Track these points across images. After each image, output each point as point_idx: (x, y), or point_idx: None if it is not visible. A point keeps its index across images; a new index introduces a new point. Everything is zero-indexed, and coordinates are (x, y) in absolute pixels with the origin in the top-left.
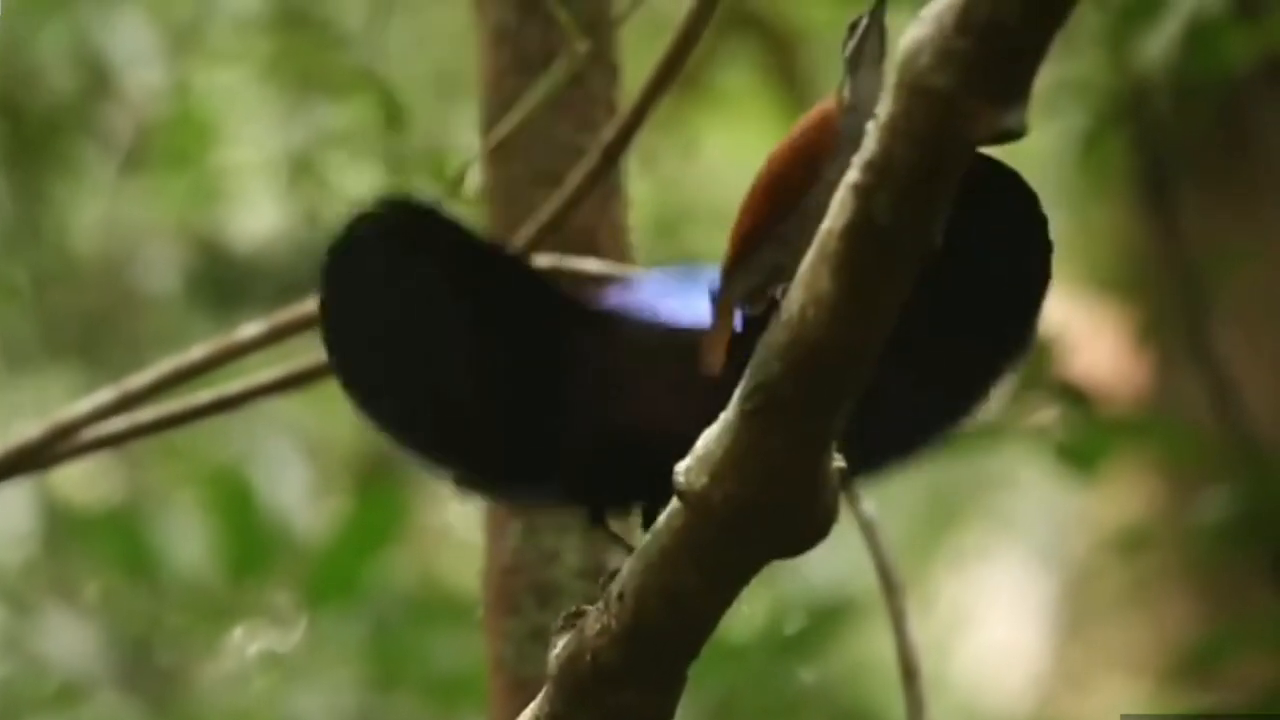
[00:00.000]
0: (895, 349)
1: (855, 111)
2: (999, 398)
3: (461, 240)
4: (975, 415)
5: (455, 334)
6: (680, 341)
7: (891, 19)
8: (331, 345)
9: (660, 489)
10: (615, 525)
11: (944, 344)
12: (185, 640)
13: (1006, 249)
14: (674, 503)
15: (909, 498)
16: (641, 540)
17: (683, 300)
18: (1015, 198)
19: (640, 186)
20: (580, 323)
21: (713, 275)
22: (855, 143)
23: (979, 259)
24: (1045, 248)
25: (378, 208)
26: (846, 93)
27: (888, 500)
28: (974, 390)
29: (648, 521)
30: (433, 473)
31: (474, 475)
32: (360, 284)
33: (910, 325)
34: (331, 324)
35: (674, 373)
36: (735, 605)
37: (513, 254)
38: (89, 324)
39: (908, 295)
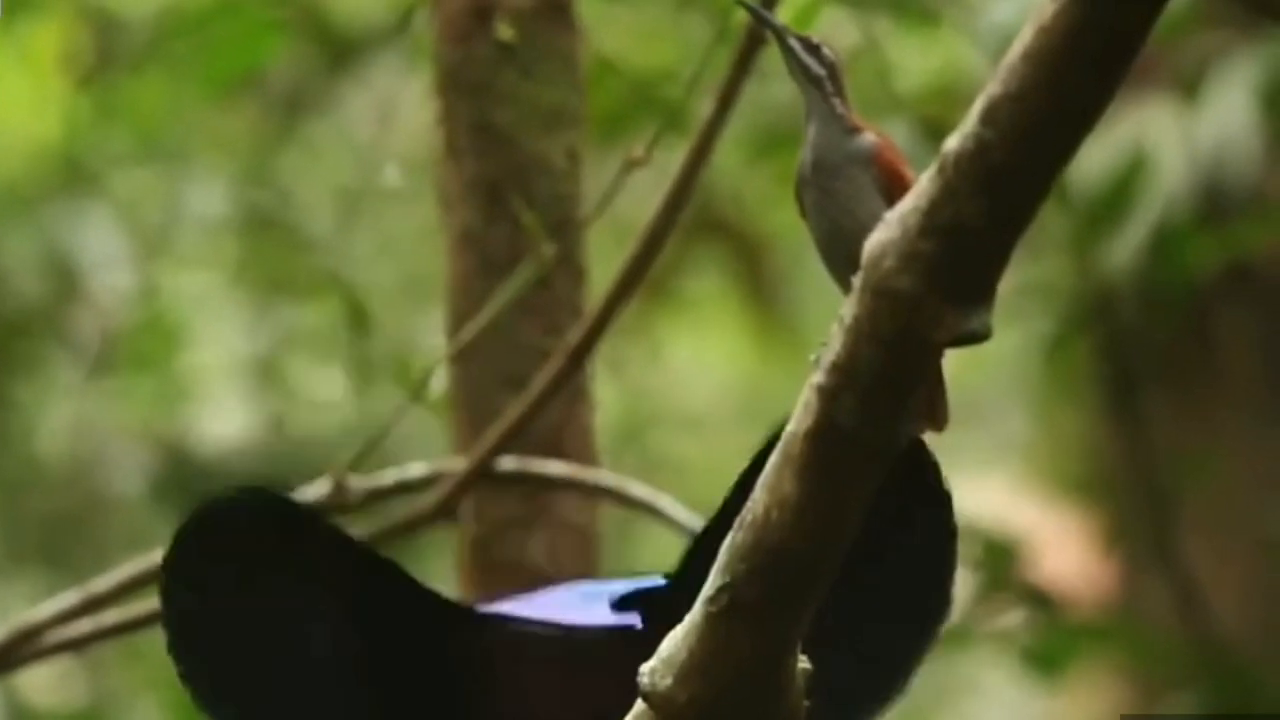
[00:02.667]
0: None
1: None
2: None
3: (322, 540)
4: (898, 696)
5: (318, 644)
6: (573, 646)
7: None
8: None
9: None
10: None
11: (861, 630)
12: None
13: (917, 533)
14: (639, 705)
15: None
16: None
17: (580, 608)
18: (925, 481)
19: (606, 391)
20: (462, 627)
21: (617, 590)
22: None
23: (892, 545)
24: (952, 531)
25: (227, 504)
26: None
27: None
28: (896, 672)
29: None
30: None
31: None
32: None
33: (829, 615)
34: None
35: (563, 678)
36: None
37: (383, 559)
38: (53, 526)
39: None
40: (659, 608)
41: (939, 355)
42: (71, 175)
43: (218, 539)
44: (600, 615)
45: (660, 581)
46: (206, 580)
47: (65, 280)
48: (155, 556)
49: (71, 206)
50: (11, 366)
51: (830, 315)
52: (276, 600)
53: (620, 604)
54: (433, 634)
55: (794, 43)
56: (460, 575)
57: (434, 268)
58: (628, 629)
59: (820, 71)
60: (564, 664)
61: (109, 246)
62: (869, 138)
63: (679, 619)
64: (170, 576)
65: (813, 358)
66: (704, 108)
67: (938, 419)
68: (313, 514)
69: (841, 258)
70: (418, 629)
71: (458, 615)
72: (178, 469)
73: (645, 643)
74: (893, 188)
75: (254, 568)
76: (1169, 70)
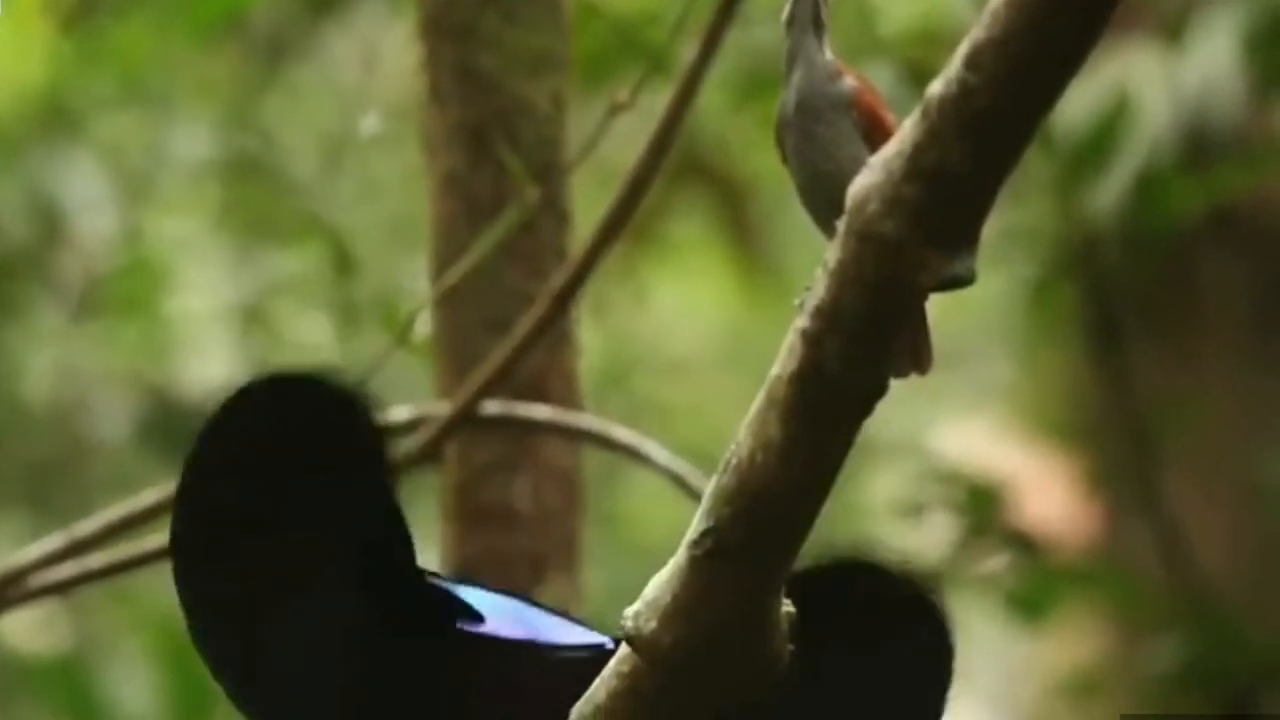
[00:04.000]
0: None
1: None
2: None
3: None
4: None
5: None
6: (560, 662)
7: None
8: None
9: None
10: None
11: None
12: None
13: (913, 675)
14: (623, 648)
15: None
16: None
17: (557, 627)
18: (930, 627)
19: (591, 335)
20: (449, 643)
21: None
22: None
23: (885, 677)
24: (948, 680)
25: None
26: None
27: None
28: None
29: None
30: None
31: None
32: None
33: None
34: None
35: (553, 695)
36: None
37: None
38: (38, 470)
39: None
40: None
41: (923, 299)
42: (55, 119)
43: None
44: (576, 635)
45: (604, 641)
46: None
47: (49, 224)
48: (140, 500)
49: (56, 150)
50: None
51: (815, 260)
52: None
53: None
54: (420, 646)
55: None
56: (443, 519)
57: (418, 212)
58: (601, 647)
59: (803, 14)
60: (544, 682)
61: (93, 190)
62: (849, 82)
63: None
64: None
65: (797, 302)
66: (688, 52)
67: (921, 362)
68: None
69: (823, 202)
70: (406, 638)
71: (445, 619)
72: (163, 413)
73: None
74: (873, 132)
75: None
76: (1153, 14)
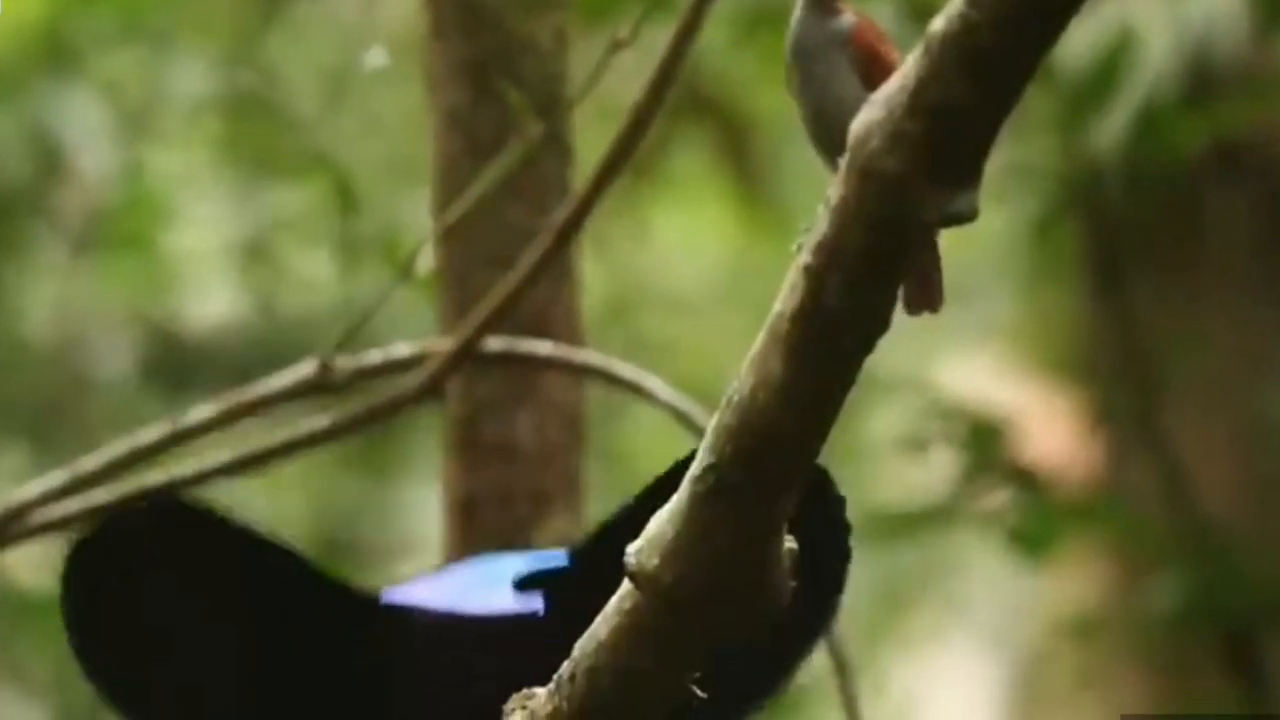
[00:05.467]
0: None
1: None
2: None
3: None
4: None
5: (223, 638)
6: (485, 632)
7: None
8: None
9: None
10: None
11: None
12: None
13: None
14: (625, 584)
15: (860, 581)
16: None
17: (483, 593)
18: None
19: (593, 271)
20: (366, 618)
21: (518, 568)
22: None
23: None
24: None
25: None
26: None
27: None
28: (789, 659)
29: None
30: None
31: None
32: (109, 587)
33: None
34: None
35: (466, 668)
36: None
37: (287, 547)
38: (40, 406)
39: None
40: (561, 588)
41: (925, 236)
42: (56, 55)
43: (116, 547)
44: (502, 601)
45: (562, 560)
46: (105, 583)
47: (50, 160)
48: (142, 436)
49: (56, 86)
50: None
51: (817, 195)
52: (177, 604)
53: (523, 583)
54: (335, 627)
55: None
56: (445, 455)
57: (420, 148)
58: (530, 616)
59: None
60: (467, 654)
61: (94, 126)
62: (848, 19)
63: (582, 600)
64: (68, 583)
65: (795, 245)
66: None
67: (934, 299)
68: (215, 516)
69: (825, 139)
70: (320, 623)
71: (361, 606)
72: (164, 350)
73: (547, 628)
74: (870, 69)
75: (152, 572)
76: None
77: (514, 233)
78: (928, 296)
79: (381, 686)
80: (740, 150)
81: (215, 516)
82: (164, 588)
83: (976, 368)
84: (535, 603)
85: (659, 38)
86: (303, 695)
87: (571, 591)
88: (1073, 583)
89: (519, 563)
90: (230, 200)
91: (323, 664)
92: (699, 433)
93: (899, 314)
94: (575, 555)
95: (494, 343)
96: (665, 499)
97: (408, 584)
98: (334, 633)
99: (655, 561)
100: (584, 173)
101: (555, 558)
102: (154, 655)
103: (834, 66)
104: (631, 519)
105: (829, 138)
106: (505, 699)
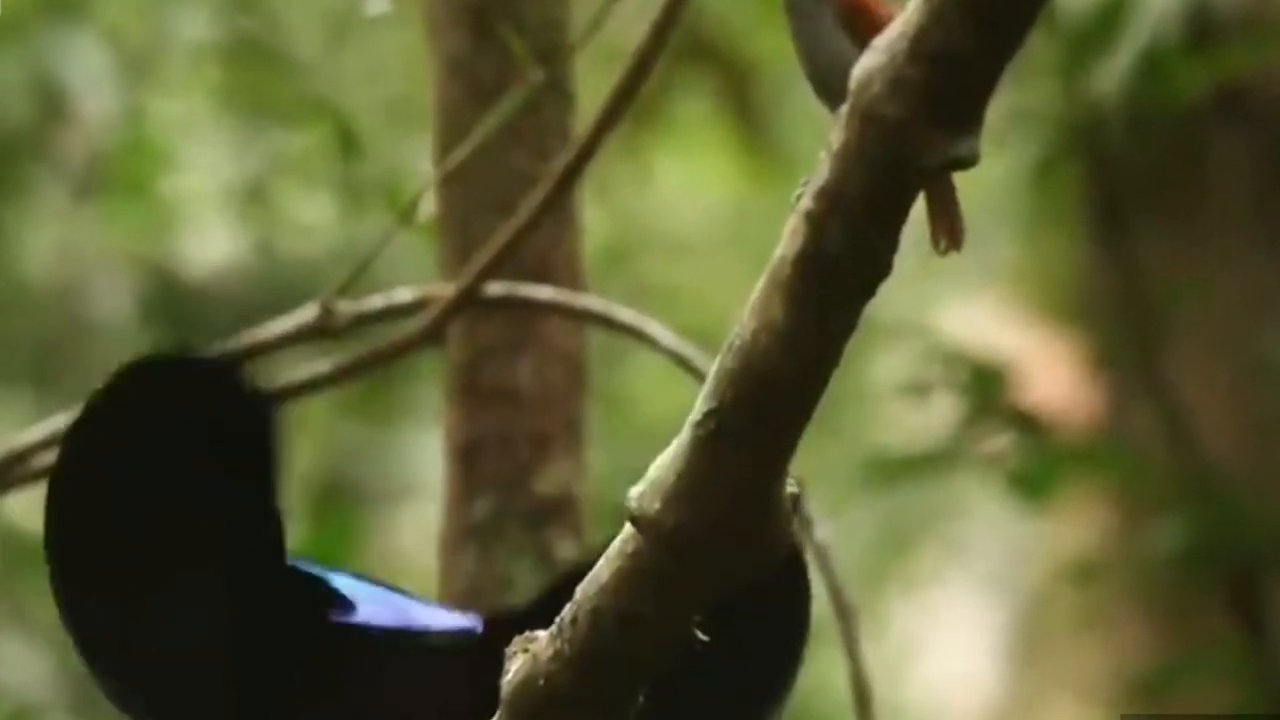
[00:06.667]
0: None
1: None
2: None
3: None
4: None
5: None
6: (426, 648)
7: None
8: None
9: None
10: None
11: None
12: None
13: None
14: (626, 528)
15: (862, 524)
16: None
17: (423, 613)
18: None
19: (594, 216)
20: (318, 624)
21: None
22: None
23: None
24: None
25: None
26: None
27: (841, 526)
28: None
29: None
30: None
31: None
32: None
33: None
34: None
35: (410, 682)
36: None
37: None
38: (40, 350)
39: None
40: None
41: (926, 181)
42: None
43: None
44: (445, 619)
45: (474, 627)
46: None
47: (51, 104)
48: None
49: (58, 31)
50: None
51: (819, 139)
52: (156, 558)
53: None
54: (294, 623)
55: None
56: (447, 401)
57: (422, 93)
58: (469, 632)
59: None
60: (411, 667)
61: (95, 70)
62: None
63: (519, 613)
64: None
65: (796, 195)
66: None
67: (956, 238)
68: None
69: (822, 90)
70: (283, 622)
71: (317, 609)
72: (165, 294)
73: (487, 647)
74: (856, 24)
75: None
76: None
77: (515, 178)
78: (951, 234)
79: (327, 696)
80: (742, 95)
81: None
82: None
83: (978, 312)
84: (474, 620)
85: None
86: (253, 680)
87: (509, 608)
88: (1074, 526)
89: (428, 615)
90: (231, 144)
91: (279, 659)
92: (700, 378)
93: (900, 258)
94: (489, 624)
95: (495, 288)
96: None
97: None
98: (287, 641)
99: (657, 506)
100: (585, 118)
101: (468, 623)
102: (126, 607)
103: (820, 22)
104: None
105: (826, 89)
106: (443, 713)
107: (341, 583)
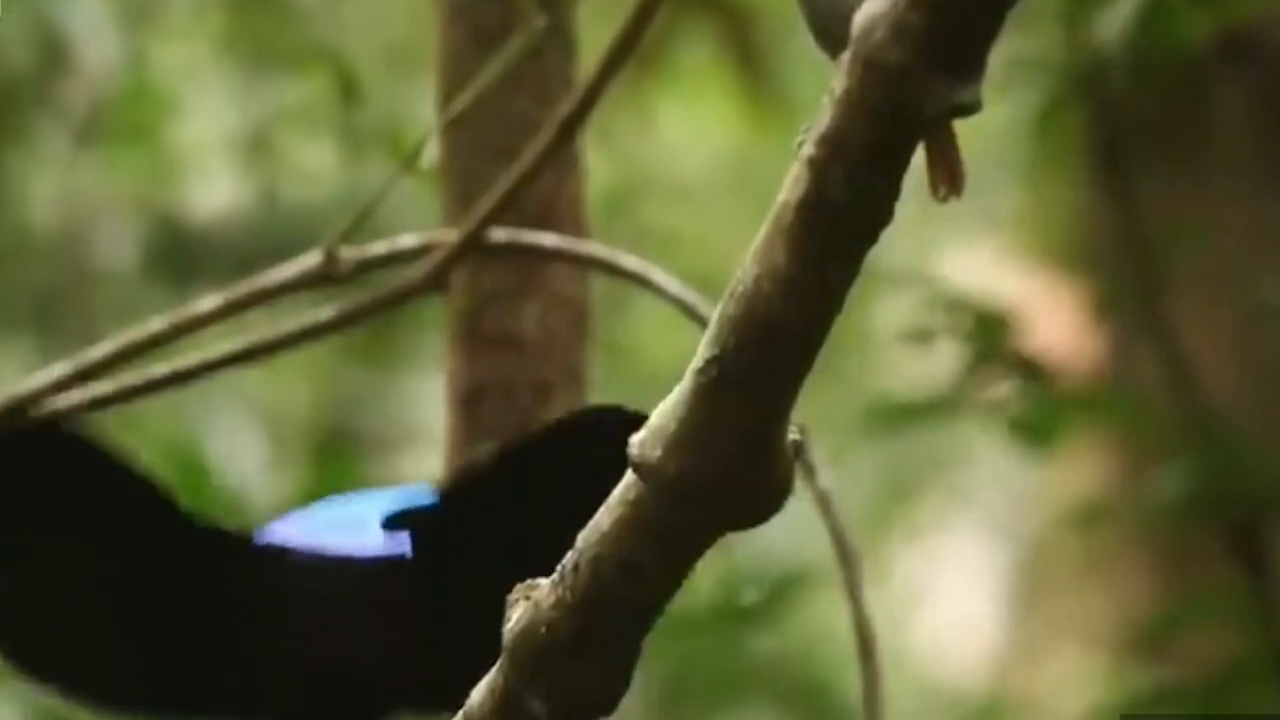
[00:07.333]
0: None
1: None
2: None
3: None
4: None
5: (89, 571)
6: (354, 574)
7: None
8: None
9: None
10: None
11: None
12: None
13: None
14: (628, 475)
15: (865, 470)
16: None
17: (353, 532)
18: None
19: (597, 162)
20: (240, 558)
21: (384, 503)
22: None
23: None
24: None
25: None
26: None
27: (844, 473)
28: None
29: None
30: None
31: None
32: None
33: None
34: None
35: (347, 607)
36: (691, 577)
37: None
38: (44, 297)
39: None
40: (429, 529)
41: (929, 127)
42: None
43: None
44: (372, 541)
45: (429, 498)
46: None
47: (54, 50)
48: (147, 326)
49: None
50: (0, 136)
51: (821, 84)
52: (47, 532)
53: (391, 522)
54: (206, 566)
55: None
56: (450, 346)
57: (424, 38)
58: (398, 558)
59: None
60: (333, 594)
61: (97, 17)
62: None
63: (450, 542)
64: None
65: (802, 132)
66: None
67: (956, 183)
68: (89, 448)
69: (823, 38)
70: (192, 562)
71: (230, 545)
72: (168, 240)
73: (415, 570)
74: None
75: (23, 498)
76: None
77: (518, 124)
78: (951, 180)
79: (249, 626)
80: (744, 41)
81: (90, 448)
82: (35, 514)
83: (980, 259)
84: (403, 544)
85: None
86: (167, 632)
87: (440, 533)
88: (1076, 473)
89: (385, 500)
90: (233, 90)
91: (191, 604)
92: (703, 324)
93: (902, 205)
94: (444, 496)
95: (498, 234)
96: (544, 451)
97: (281, 521)
98: (202, 573)
99: (658, 453)
100: (588, 64)
101: (422, 495)
102: (25, 582)
103: None
104: (503, 464)
105: (828, 35)
106: (373, 641)
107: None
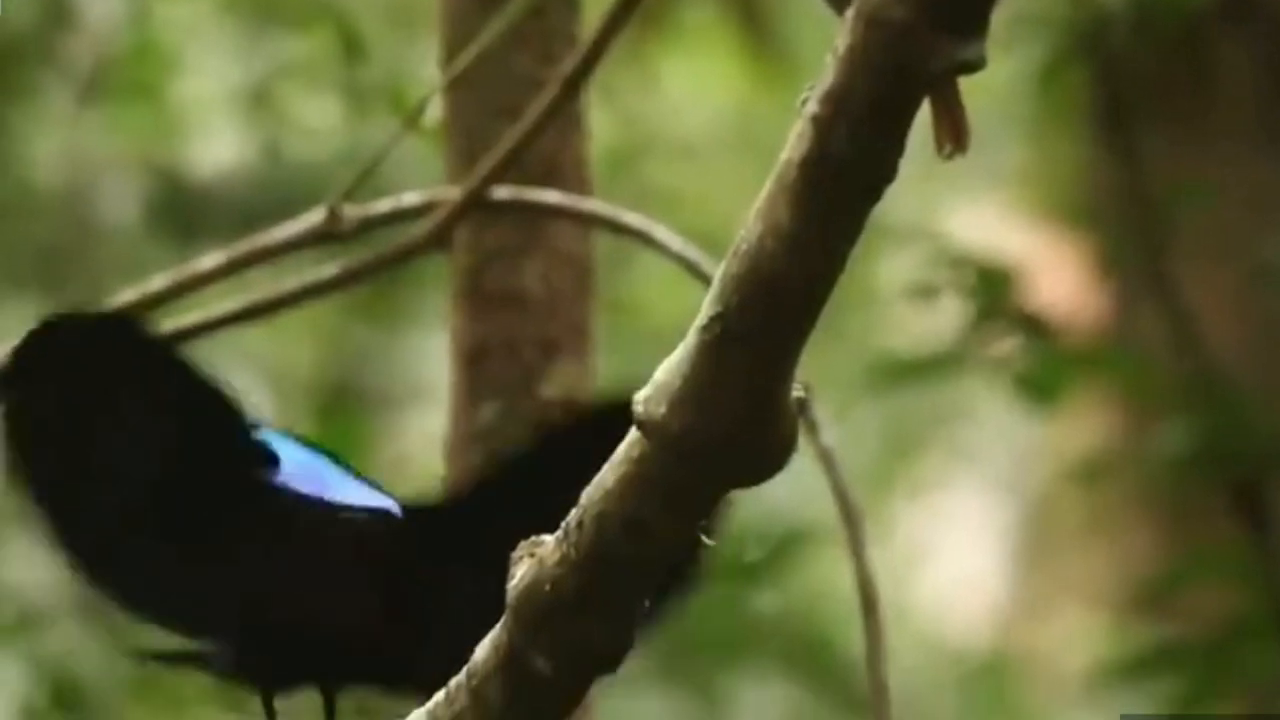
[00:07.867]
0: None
1: None
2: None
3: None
4: None
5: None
6: (341, 527)
7: None
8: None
9: (330, 672)
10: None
11: None
12: None
13: None
14: (633, 432)
15: (868, 428)
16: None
17: (341, 484)
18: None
19: (600, 119)
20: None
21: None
22: None
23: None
24: None
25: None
26: None
27: (847, 430)
28: None
29: (329, 707)
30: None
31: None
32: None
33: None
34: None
35: (334, 559)
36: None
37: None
38: (48, 254)
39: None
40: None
41: (933, 84)
42: None
43: (60, 352)
44: (364, 496)
45: (390, 506)
46: (45, 386)
47: (57, 7)
48: (150, 284)
49: None
50: (3, 93)
51: (824, 42)
52: (108, 419)
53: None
54: (227, 484)
55: None
56: (453, 304)
57: None
58: (386, 512)
59: None
60: (328, 539)
61: None
62: None
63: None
64: (9, 384)
65: (806, 89)
66: None
67: (961, 140)
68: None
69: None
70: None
71: (251, 467)
72: (172, 197)
73: (404, 529)
74: None
75: (89, 382)
76: None
77: (521, 82)
78: (956, 136)
79: (255, 557)
80: None
81: (155, 343)
82: (98, 398)
83: (984, 215)
84: (392, 504)
85: None
86: (178, 530)
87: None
88: (1080, 429)
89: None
90: (237, 48)
91: (215, 517)
92: (706, 281)
93: (906, 162)
94: (407, 510)
95: (501, 192)
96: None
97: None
98: (229, 493)
99: (662, 410)
100: (591, 22)
101: (383, 500)
102: (71, 465)
103: None
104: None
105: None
106: (357, 589)
107: (289, 450)
